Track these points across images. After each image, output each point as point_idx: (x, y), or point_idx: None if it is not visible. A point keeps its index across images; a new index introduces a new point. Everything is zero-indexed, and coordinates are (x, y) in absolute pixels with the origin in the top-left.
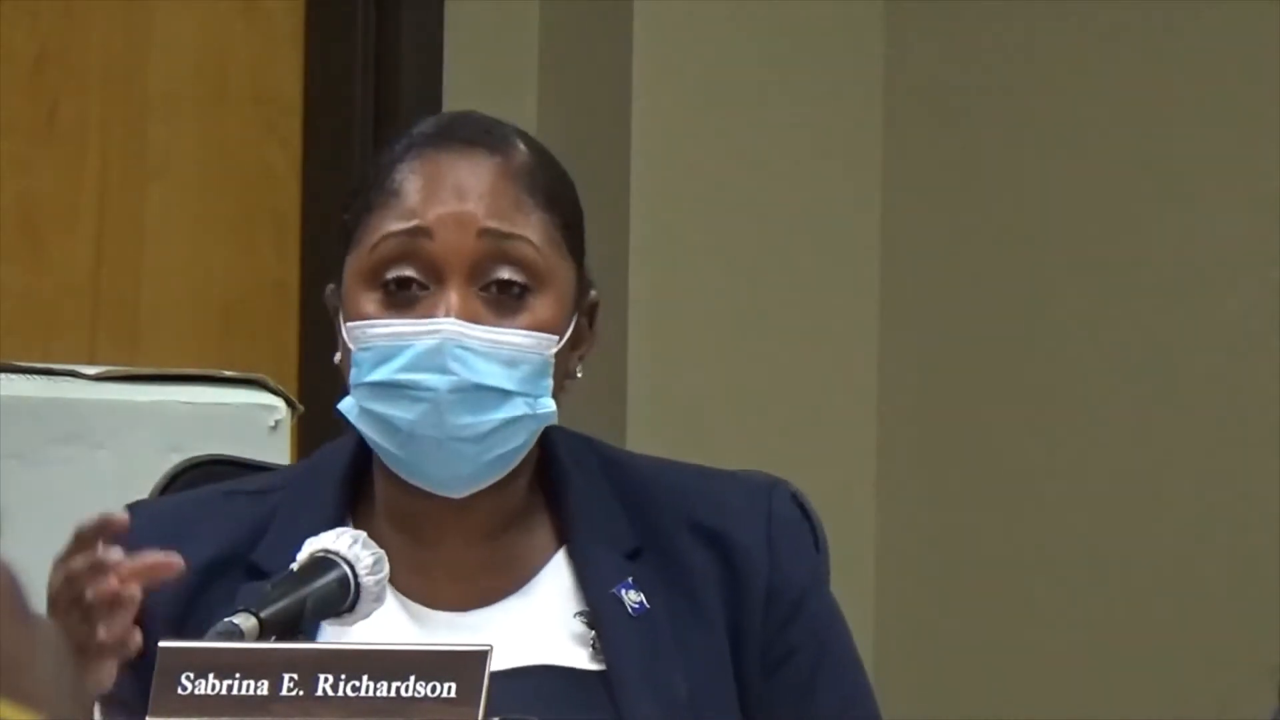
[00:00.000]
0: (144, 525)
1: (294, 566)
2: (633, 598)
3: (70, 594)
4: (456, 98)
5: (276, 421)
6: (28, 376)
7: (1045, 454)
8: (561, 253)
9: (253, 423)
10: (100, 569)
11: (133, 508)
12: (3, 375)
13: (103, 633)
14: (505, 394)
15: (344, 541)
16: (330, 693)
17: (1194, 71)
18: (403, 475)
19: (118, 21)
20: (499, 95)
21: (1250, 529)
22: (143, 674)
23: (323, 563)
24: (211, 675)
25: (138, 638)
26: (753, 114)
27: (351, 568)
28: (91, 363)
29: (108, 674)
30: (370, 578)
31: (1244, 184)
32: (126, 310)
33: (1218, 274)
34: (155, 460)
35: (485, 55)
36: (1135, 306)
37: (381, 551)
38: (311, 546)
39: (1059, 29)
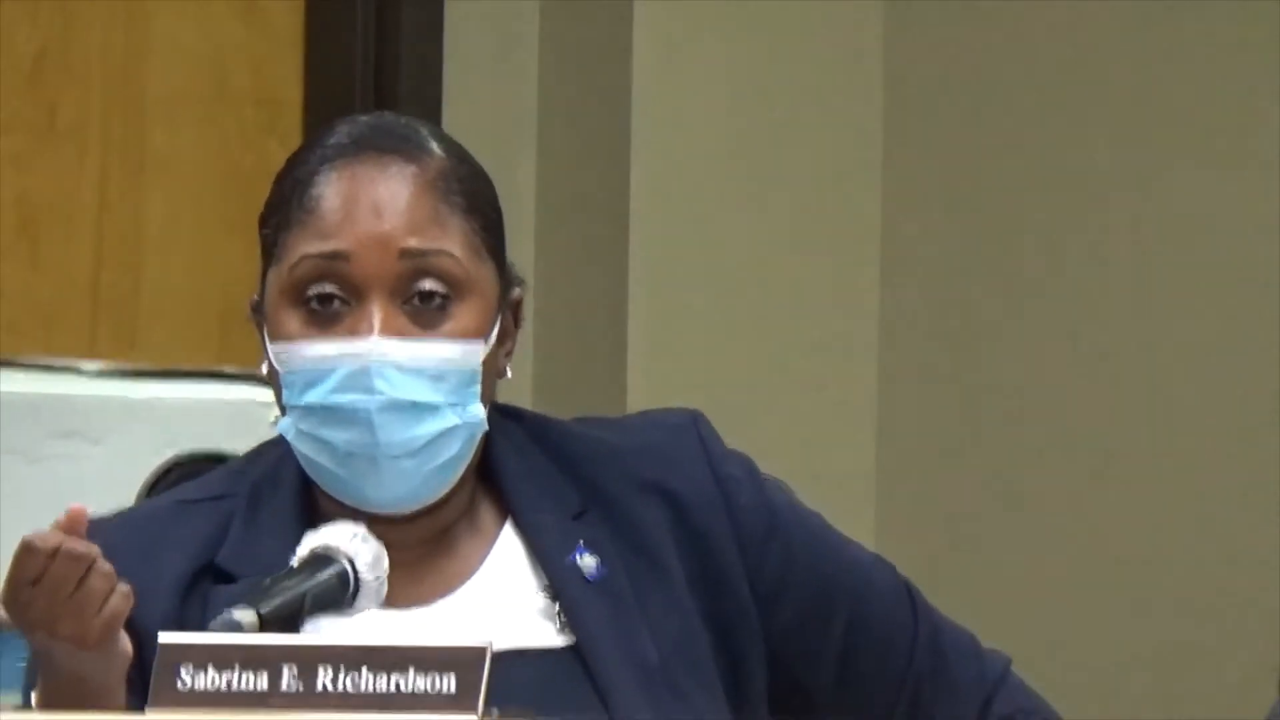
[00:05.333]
0: (115, 541)
1: (294, 561)
2: (588, 563)
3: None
4: (456, 97)
5: (275, 418)
6: (27, 372)
7: (1048, 452)
8: (482, 256)
9: (251, 419)
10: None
11: (96, 524)
12: (2, 371)
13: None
14: (434, 407)
15: (345, 536)
16: (330, 687)
17: (1194, 72)
18: (344, 499)
19: (118, 22)
20: (499, 95)
21: (1251, 526)
22: (138, 689)
23: (323, 558)
24: (211, 669)
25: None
26: (753, 113)
27: (352, 563)
28: (89, 359)
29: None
30: (370, 573)
31: (1245, 183)
32: (126, 308)
33: (1223, 272)
34: (153, 456)
35: (485, 55)
36: (1135, 303)
37: (382, 546)
38: (312, 541)
39: (1059, 29)
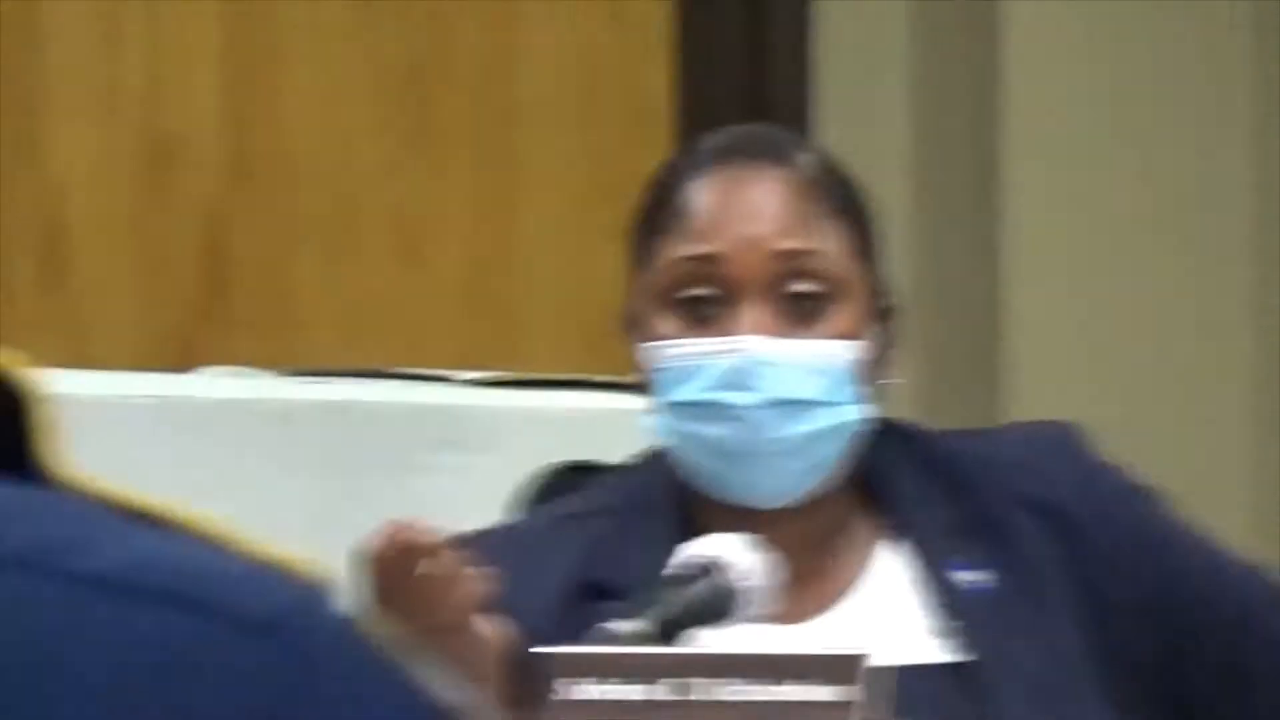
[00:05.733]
0: (497, 553)
1: (669, 572)
2: (975, 577)
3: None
4: (828, 101)
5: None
6: (401, 382)
7: None
8: (855, 260)
9: (625, 428)
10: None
11: (474, 538)
12: (376, 381)
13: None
14: (811, 404)
15: (722, 548)
16: (706, 697)
17: None
18: (716, 493)
19: (489, 28)
20: (870, 98)
21: None
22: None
23: (700, 571)
24: (590, 679)
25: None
26: (1125, 111)
27: (729, 575)
28: (463, 368)
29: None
30: (747, 585)
31: None
32: (499, 316)
33: None
34: (527, 466)
35: (855, 56)
36: None
37: (760, 558)
38: (688, 553)
39: None
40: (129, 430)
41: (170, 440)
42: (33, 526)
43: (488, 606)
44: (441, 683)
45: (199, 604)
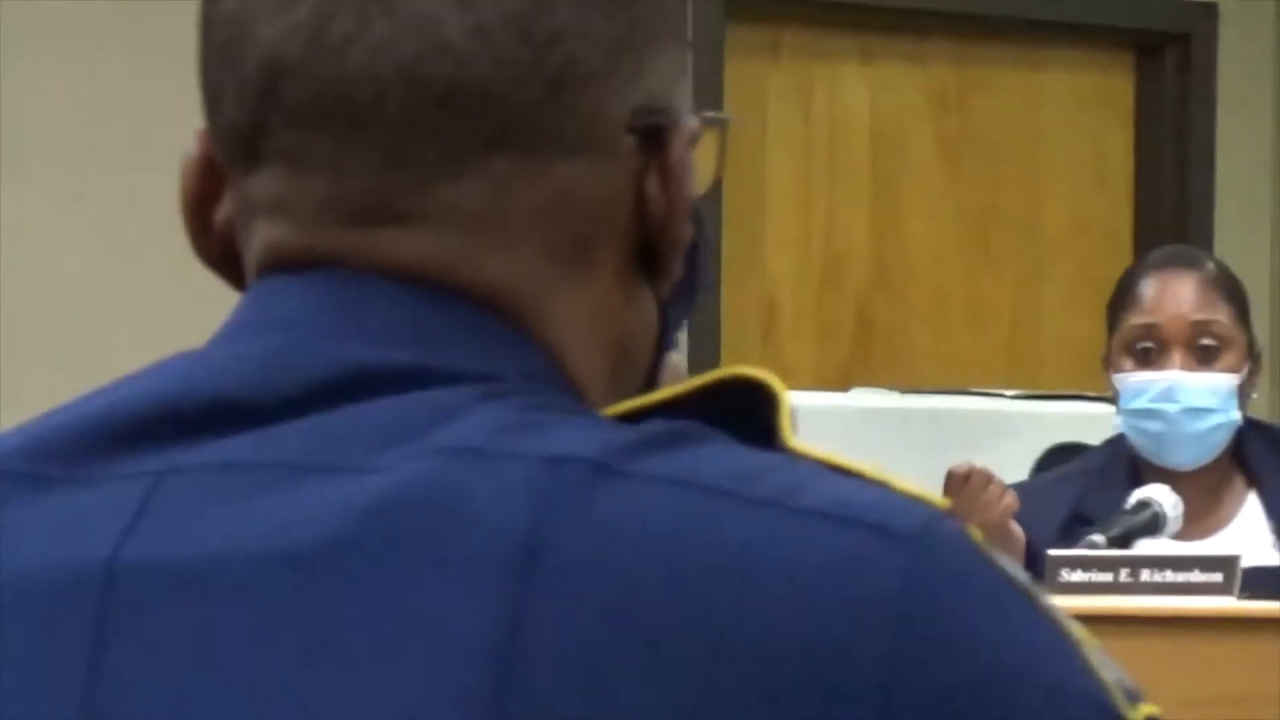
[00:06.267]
0: (1029, 492)
1: (1126, 507)
2: None
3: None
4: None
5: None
6: (971, 397)
7: None
8: (1238, 327)
9: (1101, 424)
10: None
11: (1014, 485)
12: (957, 395)
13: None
14: (1210, 411)
15: (1156, 492)
16: (1147, 579)
17: None
18: (1152, 461)
19: None
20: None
21: None
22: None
23: (1142, 505)
24: (1079, 569)
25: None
26: None
27: (1160, 507)
28: (1007, 388)
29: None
30: (1171, 514)
31: None
32: (1033, 360)
33: None
34: (1044, 447)
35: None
36: None
37: (1178, 499)
38: (1137, 495)
39: None
40: (814, 426)
41: (838, 431)
42: (779, 476)
43: (1015, 518)
44: (1013, 560)
45: (867, 524)
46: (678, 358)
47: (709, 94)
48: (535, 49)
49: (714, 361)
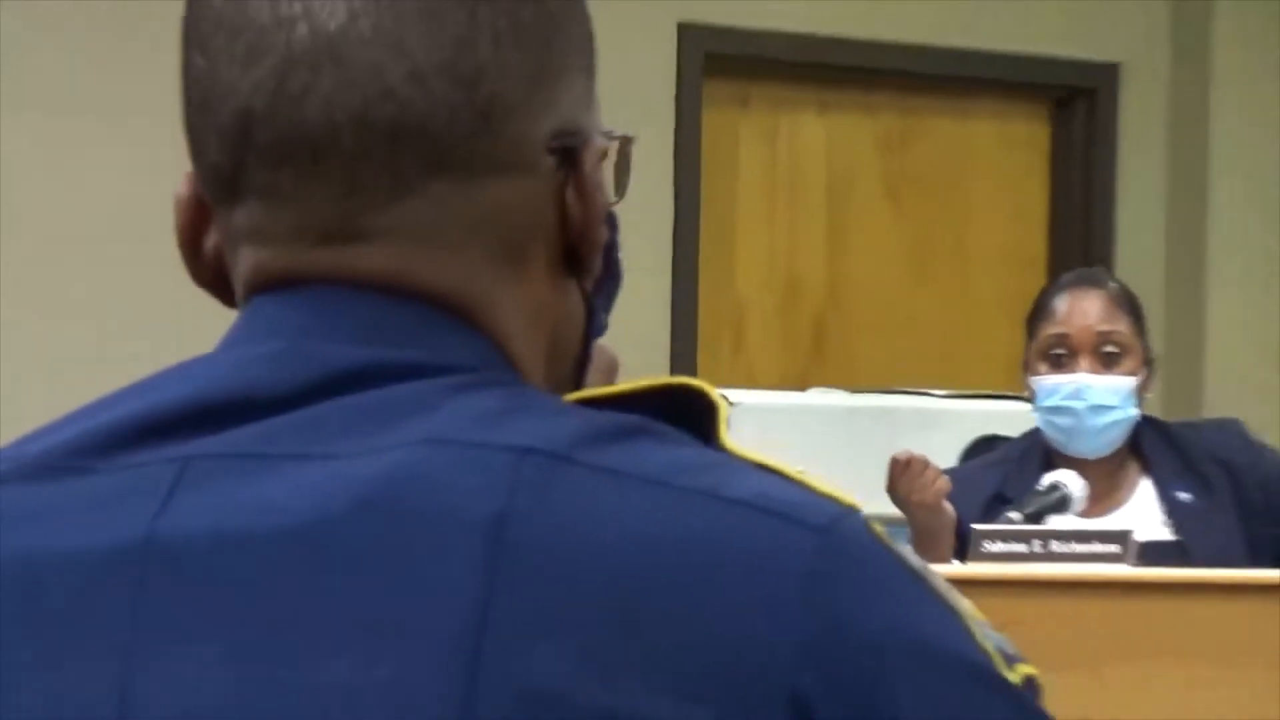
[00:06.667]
0: (961, 476)
1: (1039, 489)
2: (1186, 497)
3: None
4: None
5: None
6: (908, 397)
7: None
8: (1136, 337)
9: (1020, 419)
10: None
11: (946, 471)
12: (897, 395)
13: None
14: (1112, 408)
15: (1063, 477)
16: (1054, 550)
17: None
18: (1062, 451)
19: None
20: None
21: None
22: (957, 550)
23: (1053, 487)
24: (1000, 541)
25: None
26: None
27: (1067, 490)
28: (938, 388)
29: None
30: (1078, 494)
31: None
32: (961, 362)
33: None
34: (970, 438)
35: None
36: None
37: (1084, 482)
38: (1049, 479)
39: None
40: (777, 420)
41: (797, 425)
42: (713, 470)
43: (947, 498)
44: (908, 547)
45: (785, 514)
46: (608, 343)
47: (689, 138)
48: (464, 88)
49: (692, 365)
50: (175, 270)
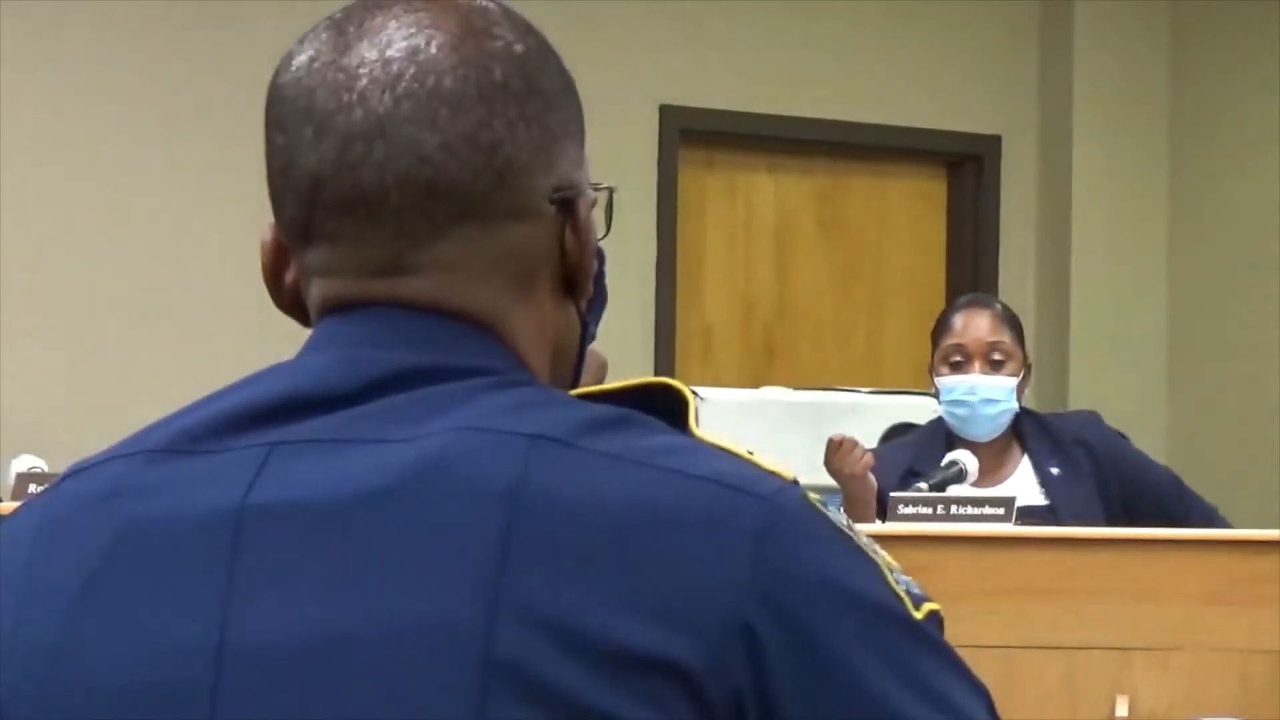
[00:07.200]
0: (880, 454)
1: (941, 465)
2: (1055, 471)
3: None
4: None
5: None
6: (835, 393)
7: None
8: (1016, 346)
9: (928, 410)
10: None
11: (877, 450)
12: (826, 393)
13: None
14: (998, 402)
15: (960, 455)
16: (953, 511)
17: None
18: (960, 435)
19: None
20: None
21: None
22: (879, 511)
23: (952, 463)
24: (911, 506)
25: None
26: None
27: (964, 465)
28: (860, 386)
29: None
30: (972, 469)
31: None
32: (875, 363)
33: None
34: (886, 425)
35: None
36: None
37: (976, 460)
38: (950, 457)
39: None
40: (737, 411)
41: (753, 416)
42: (682, 452)
43: (871, 472)
44: (840, 511)
45: (739, 487)
46: (599, 349)
47: (668, 194)
48: (484, 154)
49: (672, 368)
50: (263, 297)
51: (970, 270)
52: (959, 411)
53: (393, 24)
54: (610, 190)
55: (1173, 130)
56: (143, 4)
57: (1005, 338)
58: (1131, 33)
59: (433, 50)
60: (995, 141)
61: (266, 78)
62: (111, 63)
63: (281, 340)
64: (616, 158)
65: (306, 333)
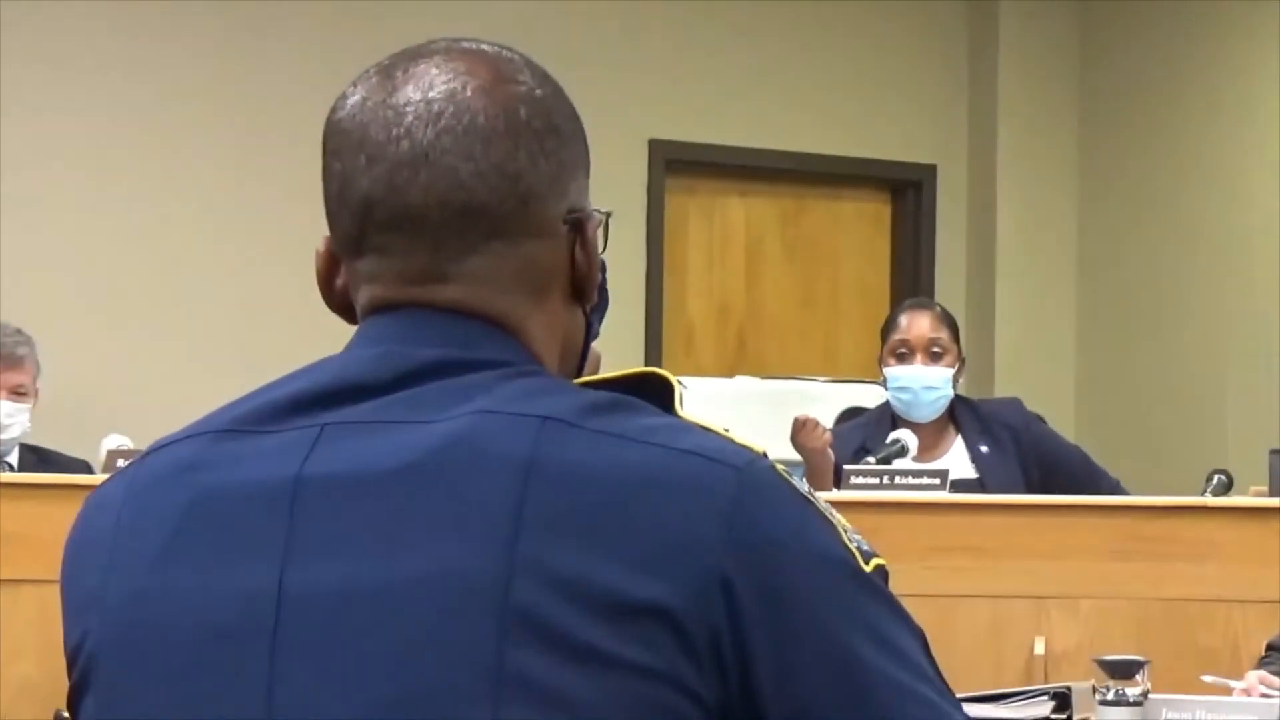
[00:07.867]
0: (838, 433)
1: (887, 442)
2: (984, 449)
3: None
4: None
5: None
6: (796, 381)
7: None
8: (953, 342)
9: (877, 395)
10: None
11: (836, 430)
12: (790, 381)
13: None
14: (937, 389)
15: (903, 434)
16: (898, 482)
17: None
18: (903, 417)
19: None
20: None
21: None
22: (832, 481)
23: (895, 441)
24: (862, 477)
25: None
26: None
27: (905, 443)
28: (818, 376)
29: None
30: (913, 446)
31: None
32: (832, 356)
33: None
34: (841, 408)
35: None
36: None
37: (917, 439)
38: (894, 436)
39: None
40: (715, 398)
41: (728, 402)
42: (669, 430)
43: (829, 447)
44: (803, 480)
45: (716, 459)
46: (597, 343)
47: (656, 216)
48: (509, 181)
49: (659, 360)
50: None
51: (911, 278)
52: (903, 397)
53: (434, 70)
54: (608, 214)
55: (1081, 159)
56: (207, 3)
57: (944, 334)
58: (1046, 76)
59: (468, 93)
60: (932, 170)
61: (315, 84)
62: (189, 70)
63: (324, 337)
64: (612, 185)
65: (347, 330)
